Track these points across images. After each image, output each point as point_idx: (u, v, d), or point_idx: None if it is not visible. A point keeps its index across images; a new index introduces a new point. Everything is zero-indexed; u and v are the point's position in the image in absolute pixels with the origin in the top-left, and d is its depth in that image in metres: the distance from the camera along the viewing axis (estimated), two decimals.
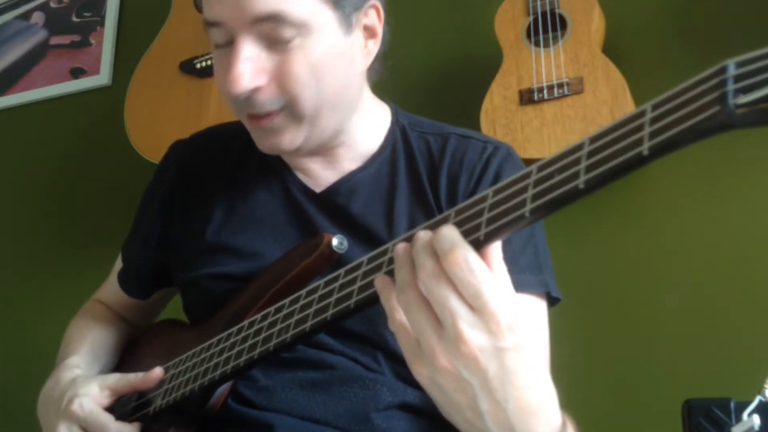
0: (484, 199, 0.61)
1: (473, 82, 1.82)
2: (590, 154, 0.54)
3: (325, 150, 0.99)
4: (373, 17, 0.96)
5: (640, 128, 0.52)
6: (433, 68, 1.97)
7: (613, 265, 1.68)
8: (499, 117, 1.68)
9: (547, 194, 0.56)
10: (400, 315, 0.63)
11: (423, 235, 0.62)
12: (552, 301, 0.95)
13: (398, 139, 1.03)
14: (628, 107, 1.60)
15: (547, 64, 1.69)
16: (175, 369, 0.92)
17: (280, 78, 0.88)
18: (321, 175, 1.02)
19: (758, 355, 1.46)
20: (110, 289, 1.20)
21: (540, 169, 0.58)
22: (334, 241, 0.87)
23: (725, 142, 1.65)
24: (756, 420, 0.87)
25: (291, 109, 0.90)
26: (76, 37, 2.50)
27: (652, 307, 1.62)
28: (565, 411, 0.69)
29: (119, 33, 2.45)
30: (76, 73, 2.46)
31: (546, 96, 1.66)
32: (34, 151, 2.46)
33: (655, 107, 0.51)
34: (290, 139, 0.92)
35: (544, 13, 1.74)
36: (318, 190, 1.01)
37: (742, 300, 1.55)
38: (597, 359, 1.63)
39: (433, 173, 0.99)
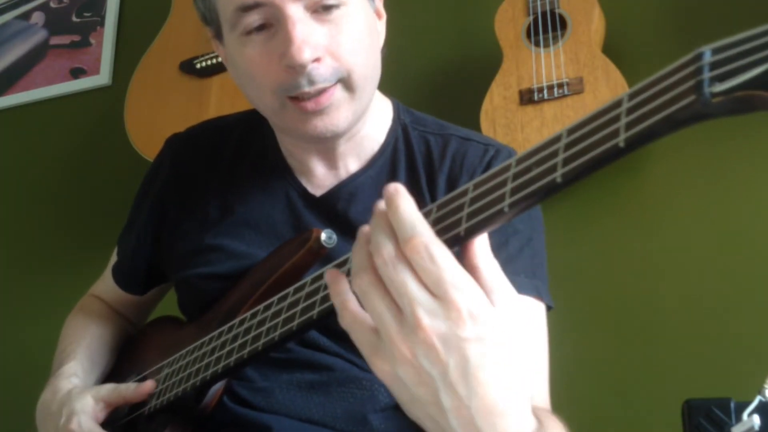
0: (464, 193, 0.59)
1: (473, 82, 1.82)
2: (567, 147, 0.53)
3: (335, 148, 0.98)
4: (378, 0, 0.98)
5: (616, 119, 0.50)
6: (433, 68, 1.97)
7: (613, 265, 1.68)
8: (499, 117, 1.68)
9: (525, 188, 0.54)
10: (351, 307, 0.60)
11: (379, 210, 0.58)
12: (546, 309, 0.94)
13: (399, 138, 1.02)
14: None
15: (547, 64, 1.69)
16: (168, 368, 0.92)
17: (335, 49, 0.87)
18: (322, 176, 1.00)
19: (758, 355, 1.46)
20: (106, 284, 1.20)
21: (519, 162, 0.56)
22: (323, 236, 0.87)
23: (724, 139, 1.66)
24: (756, 420, 0.87)
25: (347, 81, 0.88)
26: (76, 37, 2.50)
27: (651, 307, 1.62)
28: (553, 412, 0.66)
29: (119, 33, 2.45)
30: (76, 73, 2.46)
31: (546, 96, 1.66)
32: (34, 151, 2.46)
33: (631, 96, 0.50)
34: (345, 115, 0.90)
35: (544, 13, 1.74)
36: (318, 193, 1.00)
37: (742, 300, 1.55)
38: (597, 359, 1.63)
39: (432, 176, 0.98)
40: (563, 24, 1.72)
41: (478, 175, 0.96)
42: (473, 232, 0.57)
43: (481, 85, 1.75)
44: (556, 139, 0.54)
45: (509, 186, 0.56)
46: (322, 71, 0.86)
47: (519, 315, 0.89)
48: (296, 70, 0.85)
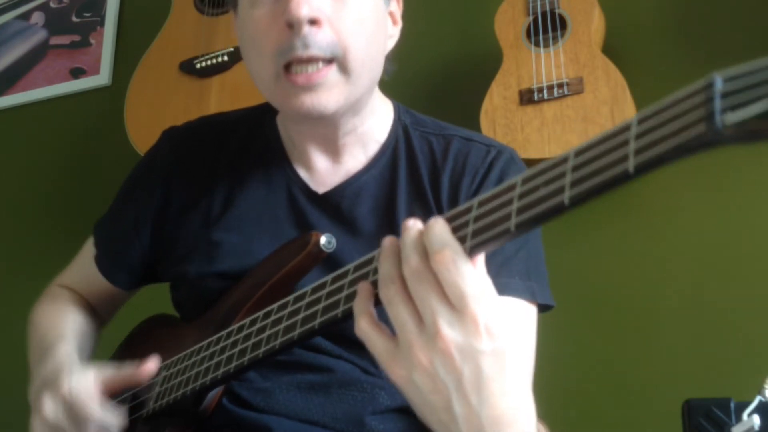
0: (468, 210, 0.60)
1: (473, 82, 1.82)
2: (575, 168, 0.53)
3: (335, 139, 0.98)
4: (395, 5, 1.01)
5: (625, 143, 0.50)
6: (433, 68, 1.97)
7: (613, 265, 1.68)
8: (499, 117, 1.68)
9: (532, 209, 0.55)
10: (369, 316, 0.63)
11: (412, 225, 0.61)
12: (545, 308, 0.94)
13: (400, 138, 1.02)
14: (628, 107, 1.60)
15: (547, 64, 1.69)
16: (167, 371, 0.92)
17: (336, 21, 0.88)
18: (323, 172, 1.00)
19: (758, 355, 1.46)
20: (79, 275, 1.16)
21: (525, 181, 0.56)
22: (323, 240, 0.86)
23: None
24: (756, 420, 0.87)
25: (342, 62, 0.89)
26: (76, 37, 2.50)
27: (652, 307, 1.62)
28: (541, 420, 0.68)
29: (119, 33, 2.45)
30: (76, 73, 2.46)
31: (546, 96, 1.65)
32: (34, 151, 2.46)
33: (641, 121, 0.50)
34: (336, 98, 0.90)
35: (544, 13, 1.74)
36: (320, 190, 1.00)
37: (742, 300, 1.55)
38: (597, 359, 1.63)
39: (435, 175, 0.98)
40: (563, 24, 1.72)
41: (480, 174, 0.97)
42: (478, 249, 0.58)
43: (481, 85, 1.75)
44: (564, 160, 0.54)
45: (515, 205, 0.56)
46: (319, 38, 0.87)
47: (511, 316, 0.89)
48: (294, 29, 0.86)
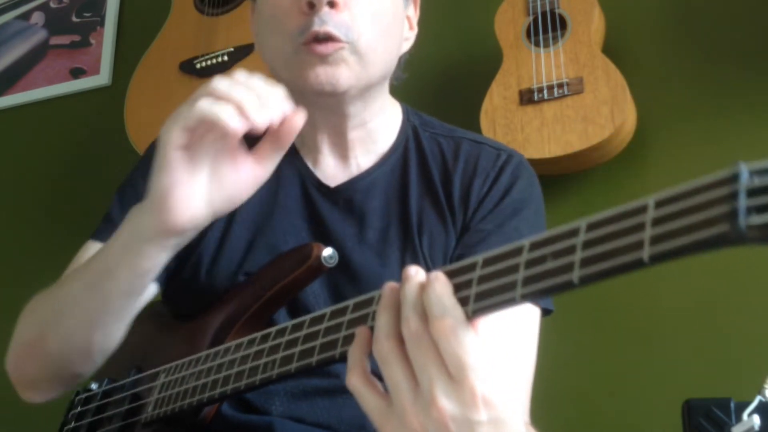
0: (473, 267, 0.58)
1: (473, 83, 1.82)
2: (586, 245, 0.50)
3: (344, 131, 0.99)
4: (413, 11, 1.04)
5: (641, 227, 0.47)
6: (433, 68, 1.97)
7: None
8: (499, 117, 1.68)
9: (540, 282, 0.52)
10: (362, 371, 0.61)
11: (413, 275, 0.59)
12: (545, 312, 0.94)
13: (410, 138, 1.03)
14: (628, 107, 1.60)
15: (547, 64, 1.69)
16: (165, 378, 0.91)
17: (354, 9, 0.92)
18: (333, 169, 1.01)
19: (758, 355, 1.46)
20: None
21: (533, 247, 0.54)
22: (324, 253, 0.85)
23: (728, 138, 1.65)
24: (756, 420, 0.87)
25: (355, 45, 0.92)
26: (76, 37, 2.50)
27: (651, 307, 1.62)
28: (533, 424, 0.67)
29: (119, 33, 2.45)
30: (76, 73, 2.46)
31: (546, 96, 1.65)
32: (34, 151, 2.46)
33: (658, 204, 0.47)
34: (348, 75, 0.92)
35: (544, 13, 1.74)
36: (332, 184, 1.00)
37: (742, 300, 1.55)
38: (597, 359, 1.63)
39: (446, 175, 0.99)
40: (563, 24, 1.72)
41: (491, 177, 0.98)
42: (481, 313, 0.57)
43: (481, 85, 1.75)
44: (574, 233, 0.52)
45: (521, 274, 0.54)
46: (335, 19, 0.90)
47: (514, 315, 0.89)
48: (315, 8, 0.90)
